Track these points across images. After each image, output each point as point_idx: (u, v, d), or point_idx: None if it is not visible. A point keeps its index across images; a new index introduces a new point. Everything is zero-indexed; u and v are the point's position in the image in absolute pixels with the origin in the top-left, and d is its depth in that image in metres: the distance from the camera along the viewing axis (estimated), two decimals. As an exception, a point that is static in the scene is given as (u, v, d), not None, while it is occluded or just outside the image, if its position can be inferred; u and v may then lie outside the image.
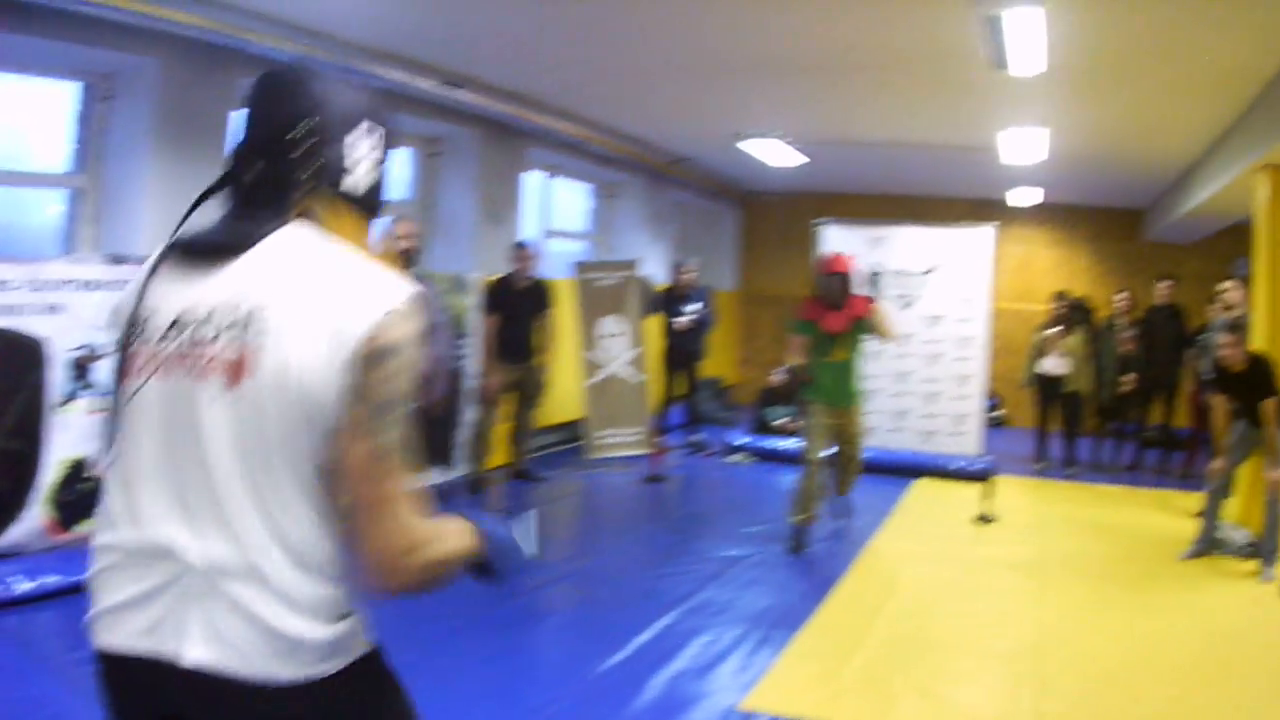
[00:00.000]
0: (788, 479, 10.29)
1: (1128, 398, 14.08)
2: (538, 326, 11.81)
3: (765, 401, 15.97)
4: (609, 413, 13.32)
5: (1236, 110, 10.25)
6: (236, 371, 2.13)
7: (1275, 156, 9.51)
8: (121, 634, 2.21)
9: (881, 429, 13.75)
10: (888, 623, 7.72)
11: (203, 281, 2.26)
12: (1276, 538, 9.06)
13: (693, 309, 14.35)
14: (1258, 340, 10.01)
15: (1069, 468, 14.09)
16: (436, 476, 10.66)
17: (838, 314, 9.57)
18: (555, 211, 15.78)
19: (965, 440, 13.98)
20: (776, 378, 15.79)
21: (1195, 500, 10.28)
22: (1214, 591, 8.81)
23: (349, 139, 2.39)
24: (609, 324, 13.60)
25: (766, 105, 11.87)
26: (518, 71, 10.75)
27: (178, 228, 2.38)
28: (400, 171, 12.22)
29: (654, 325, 14.43)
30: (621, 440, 13.56)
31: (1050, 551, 10.00)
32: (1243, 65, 8.70)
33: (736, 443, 14.47)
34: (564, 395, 13.15)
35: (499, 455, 12.01)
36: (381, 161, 2.50)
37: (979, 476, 11.99)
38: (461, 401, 11.39)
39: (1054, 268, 19.40)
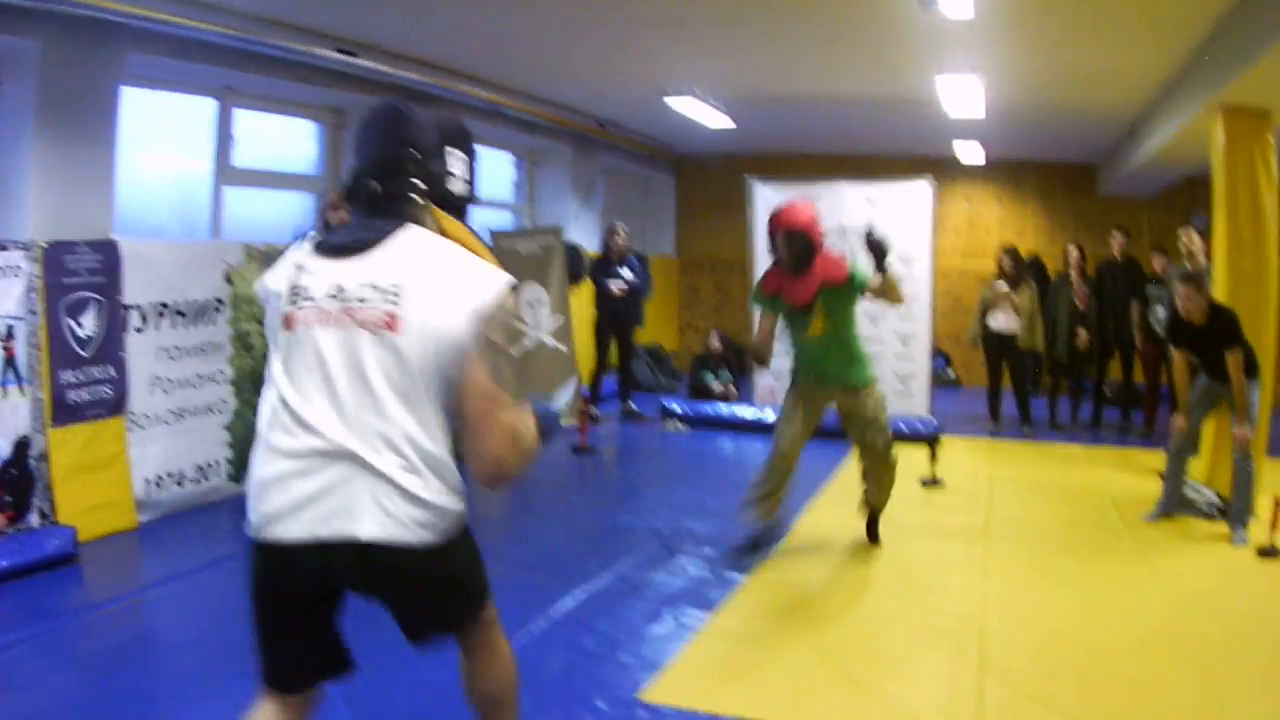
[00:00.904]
0: (724, 445, 9.81)
1: (1083, 354, 13.71)
2: None
3: (700, 366, 15.78)
4: (534, 382, 12.77)
5: (1187, 51, 9.82)
6: (391, 324, 3.17)
7: (1230, 96, 9.05)
8: (298, 526, 3.16)
9: None
10: (815, 600, 7.27)
11: (348, 266, 3.30)
12: (1247, 498, 8.70)
13: (626, 274, 14.06)
14: (1218, 291, 9.58)
15: (1024, 427, 13.71)
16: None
17: (800, 281, 7.66)
18: (478, 180, 15.12)
19: (912, 401, 13.56)
20: (712, 342, 15.66)
21: (1159, 458, 9.83)
22: (1182, 557, 8.31)
23: (441, 161, 3.52)
24: (531, 292, 13.25)
25: (688, 60, 11.52)
26: (419, 36, 10.42)
27: (320, 236, 3.53)
28: (308, 145, 12.18)
29: (585, 292, 14.27)
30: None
31: (1001, 517, 9.52)
32: (1189, 5, 8.34)
33: (671, 410, 14.06)
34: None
35: None
36: (468, 174, 3.66)
37: (926, 438, 11.54)
38: None
39: (1004, 224, 19.20)
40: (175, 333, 8.97)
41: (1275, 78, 8.18)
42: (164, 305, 8.87)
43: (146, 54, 8.91)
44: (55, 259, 7.93)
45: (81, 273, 8.13)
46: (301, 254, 3.44)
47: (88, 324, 8.21)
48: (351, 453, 3.14)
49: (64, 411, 8.01)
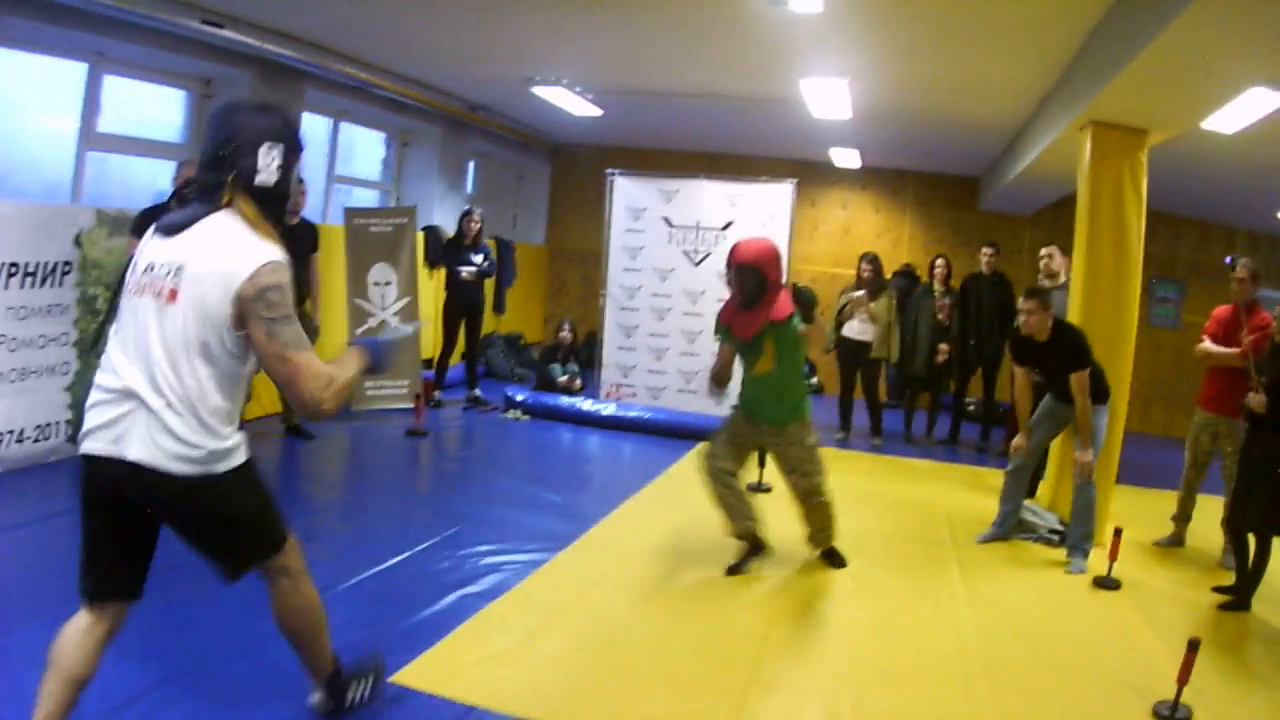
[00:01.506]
0: (561, 437, 9.53)
1: (943, 368, 13.49)
2: (304, 269, 10.94)
3: (549, 358, 15.62)
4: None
5: (1060, 64, 9.60)
6: (172, 297, 3.93)
7: (1098, 112, 8.80)
8: (98, 443, 3.97)
9: (671, 389, 13.56)
10: (596, 600, 6.99)
11: (164, 242, 4.05)
12: (1088, 525, 8.50)
13: (478, 260, 13.77)
14: (1073, 310, 9.44)
15: (873, 439, 13.51)
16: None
17: (748, 315, 7.63)
18: (347, 158, 15.29)
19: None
20: (562, 334, 15.58)
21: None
22: (1006, 581, 8.07)
23: (253, 155, 4.07)
24: (379, 271, 13.22)
25: (552, 47, 11.32)
26: (284, 10, 10.20)
27: (165, 213, 4.34)
28: (172, 114, 11.95)
29: (438, 275, 14.20)
30: (388, 392, 13.29)
31: (823, 527, 9.15)
32: (1061, 12, 8.05)
33: (516, 398, 13.79)
34: (332, 344, 12.28)
35: (266, 406, 11.64)
36: (283, 166, 4.18)
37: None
38: None
39: (879, 233, 18.97)
40: (22, 293, 8.83)
41: (1139, 94, 7.96)
42: (13, 265, 8.72)
43: (17, 16, 8.82)
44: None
45: None
46: (148, 233, 4.22)
47: None
48: (136, 393, 3.92)
49: (-93, 365, 7.81)
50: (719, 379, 7.86)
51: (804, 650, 6.34)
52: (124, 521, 4.10)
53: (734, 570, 7.80)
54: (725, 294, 12.32)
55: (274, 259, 3.98)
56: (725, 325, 7.82)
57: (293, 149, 4.26)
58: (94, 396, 4.05)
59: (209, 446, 3.98)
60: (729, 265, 7.70)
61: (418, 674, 5.51)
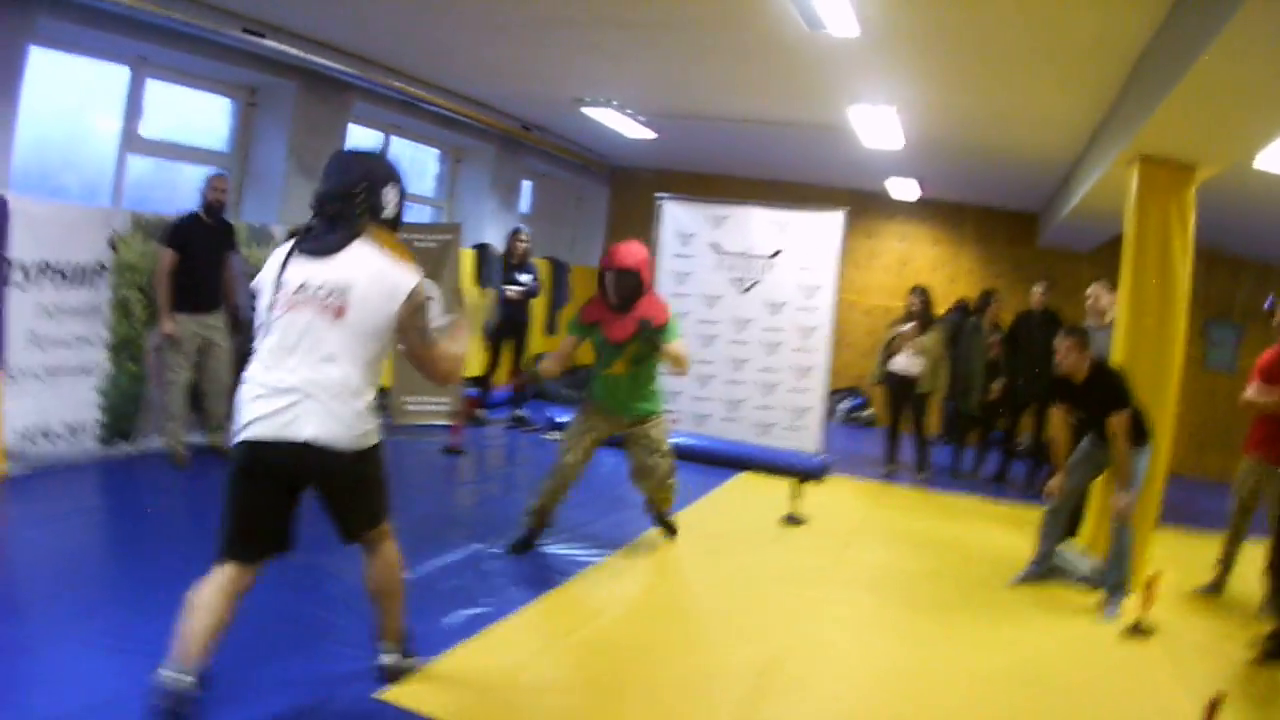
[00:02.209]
0: (606, 460, 9.47)
1: (993, 405, 13.28)
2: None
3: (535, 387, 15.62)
4: (417, 379, 12.33)
5: (1108, 98, 9.45)
6: (340, 312, 4.82)
7: (1144, 146, 8.59)
8: (266, 428, 4.78)
9: (715, 417, 13.37)
10: (605, 627, 6.93)
11: (315, 264, 4.89)
12: (1122, 570, 8.29)
13: (524, 279, 13.79)
14: (1116, 350, 9.22)
15: (919, 473, 13.33)
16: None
17: (621, 319, 8.11)
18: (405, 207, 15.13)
19: (804, 436, 13.18)
20: None
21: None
22: (1036, 624, 7.88)
23: (379, 195, 5.06)
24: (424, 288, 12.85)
25: (601, 67, 11.36)
26: (329, 21, 10.28)
27: (296, 237, 5.07)
28: (218, 122, 12.07)
29: (488, 294, 14.20)
30: (428, 408, 13.28)
31: (853, 562, 9.16)
32: (1107, 43, 7.91)
33: (557, 420, 13.65)
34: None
35: None
36: (400, 202, 5.22)
37: (808, 473, 11.39)
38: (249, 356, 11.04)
39: (936, 267, 18.85)
40: (56, 292, 9.05)
41: (1183, 125, 7.74)
42: (48, 264, 8.92)
43: (58, 18, 8.88)
44: (-56, 210, 8.05)
45: None
46: (283, 253, 5.01)
47: None
48: (303, 389, 4.76)
49: (-61, 358, 8.17)
50: (551, 371, 8.52)
51: (810, 685, 6.24)
52: (279, 494, 4.96)
53: (516, 547, 8.28)
54: (774, 324, 12.25)
55: (418, 281, 5.01)
56: (589, 324, 8.28)
57: (404, 190, 5.31)
58: (254, 391, 4.87)
59: (364, 428, 4.95)
60: (605, 268, 8.21)
61: (406, 692, 5.47)
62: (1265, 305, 8.81)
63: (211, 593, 4.74)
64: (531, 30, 9.77)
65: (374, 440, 5.05)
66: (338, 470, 4.92)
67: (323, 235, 4.97)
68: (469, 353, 5.41)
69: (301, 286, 4.85)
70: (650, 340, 8.03)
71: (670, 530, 9.07)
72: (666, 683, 6.05)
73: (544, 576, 7.75)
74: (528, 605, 7.07)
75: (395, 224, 5.23)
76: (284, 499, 4.98)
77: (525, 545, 8.30)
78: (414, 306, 4.94)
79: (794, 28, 8.12)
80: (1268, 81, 6.43)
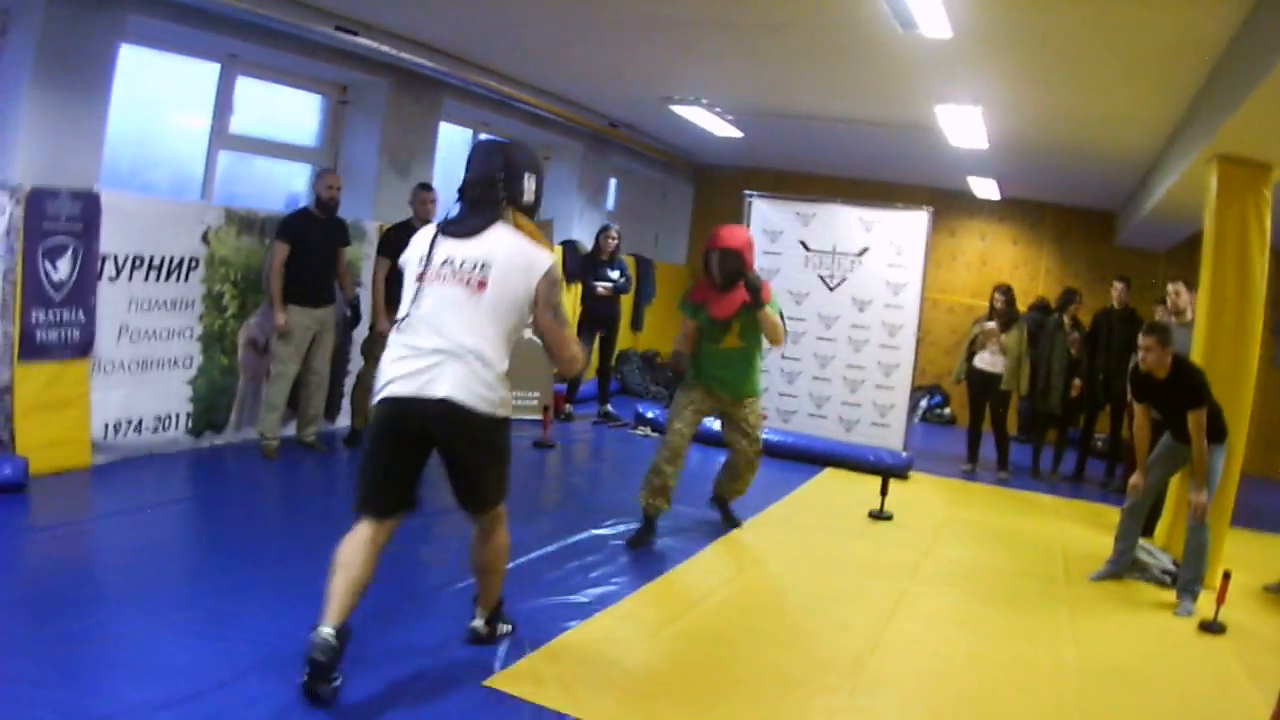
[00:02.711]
0: (693, 456, 9.75)
1: (1073, 403, 13.34)
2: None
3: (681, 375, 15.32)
4: (510, 373, 12.49)
5: (1188, 97, 9.49)
6: (481, 286, 5.16)
7: (1224, 145, 8.67)
8: (408, 386, 5.14)
9: (801, 413, 13.46)
10: (705, 617, 7.04)
11: (459, 243, 5.27)
12: (1198, 567, 8.34)
13: (613, 276, 13.95)
14: (1196, 347, 9.28)
15: (1000, 472, 13.39)
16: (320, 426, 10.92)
17: (725, 297, 8.54)
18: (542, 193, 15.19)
19: (889, 433, 13.28)
20: None
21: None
22: (1115, 621, 7.97)
23: (519, 182, 5.42)
24: None
25: (691, 67, 11.43)
26: (421, 19, 10.34)
27: (443, 219, 5.51)
28: (308, 119, 12.30)
29: (574, 291, 14.29)
30: (519, 403, 13.08)
31: (937, 557, 9.24)
32: (1187, 44, 7.94)
33: (646, 415, 13.92)
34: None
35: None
36: (538, 189, 5.58)
37: (892, 471, 11.40)
38: (350, 351, 11.39)
39: (1016, 266, 18.90)
40: (148, 286, 9.19)
41: (1262, 126, 7.79)
42: (139, 258, 9.05)
43: (149, 16, 9.01)
44: (38, 204, 8.13)
45: (61, 219, 8.30)
46: (429, 233, 5.45)
47: (63, 268, 8.39)
48: (446, 351, 5.12)
49: (31, 349, 8.24)
50: (682, 353, 8.93)
51: (900, 677, 6.34)
52: (413, 451, 5.33)
53: (635, 542, 8.52)
54: (861, 321, 12.37)
55: (554, 261, 5.37)
56: (697, 303, 8.73)
57: (542, 178, 5.67)
58: (398, 353, 5.24)
59: (500, 394, 5.26)
60: (710, 248, 8.61)
61: (514, 679, 5.60)
62: None
63: (352, 549, 5.17)
64: (626, 30, 9.87)
65: (505, 413, 5.36)
66: (469, 432, 5.26)
67: (466, 218, 5.40)
68: (582, 354, 5.68)
69: (446, 261, 5.26)
70: (751, 311, 8.49)
71: (732, 522, 9.38)
72: (766, 673, 6.15)
73: (641, 567, 7.90)
74: (627, 596, 7.21)
75: (534, 209, 5.60)
76: (416, 458, 5.38)
77: (647, 535, 8.62)
78: (550, 282, 5.30)
79: (887, 28, 8.21)
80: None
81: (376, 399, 5.32)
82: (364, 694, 5.16)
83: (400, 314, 5.36)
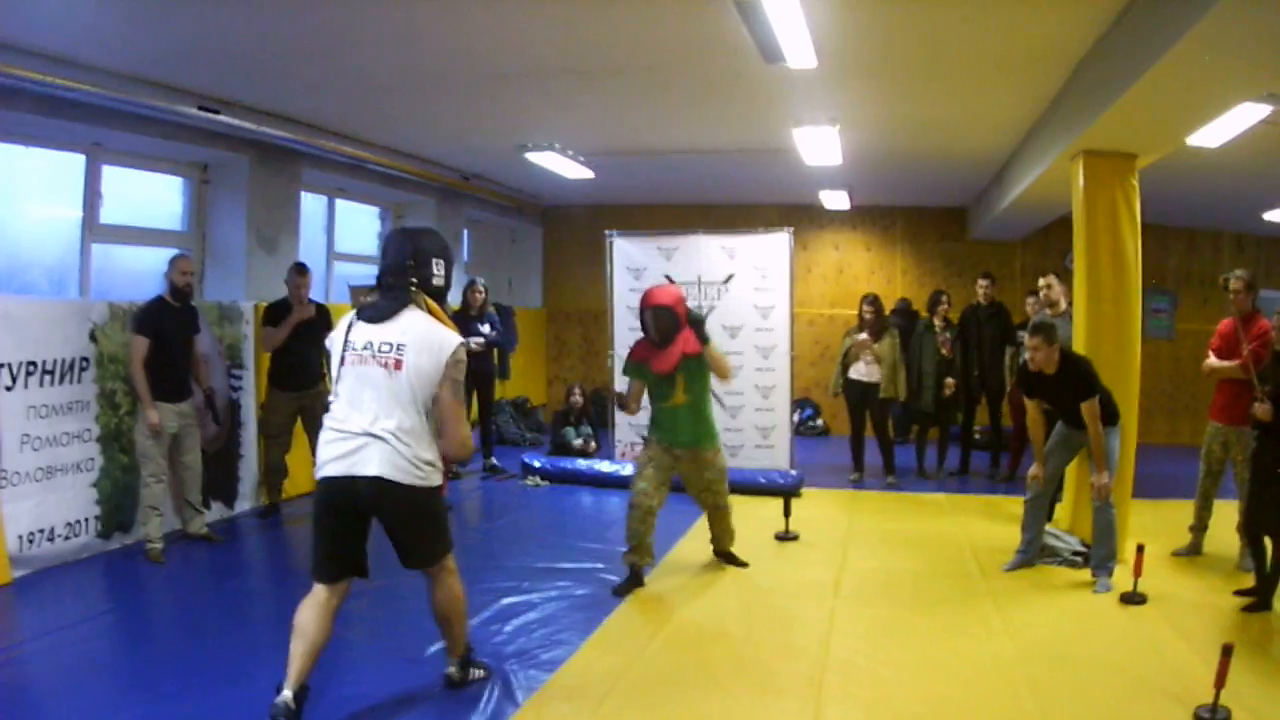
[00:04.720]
0: (583, 500, 9.71)
1: (950, 401, 13.58)
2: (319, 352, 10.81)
3: (562, 422, 15.50)
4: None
5: (1046, 98, 9.79)
6: (397, 366, 5.56)
7: (1089, 142, 9.01)
8: (339, 467, 5.57)
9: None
10: (654, 657, 7.09)
11: (375, 328, 5.67)
12: (1110, 544, 8.62)
13: (485, 330, 13.90)
14: (1077, 336, 9.57)
15: (887, 478, 13.55)
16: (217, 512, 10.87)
17: (664, 353, 8.68)
18: (342, 235, 15.30)
19: (774, 453, 13.46)
20: (573, 398, 15.50)
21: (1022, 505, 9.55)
22: (1039, 606, 8.21)
23: (428, 267, 5.85)
24: None
25: (546, 115, 11.52)
26: (280, 93, 10.40)
27: (358, 308, 5.86)
28: (170, 202, 12.08)
29: None
30: None
31: (854, 570, 9.37)
32: (1052, 50, 8.24)
33: (534, 464, 13.86)
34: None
35: (301, 485, 11.57)
36: (446, 274, 5.98)
37: (785, 491, 11.46)
38: (240, 434, 11.24)
39: (873, 271, 19.20)
40: (43, 391, 9.00)
41: (1130, 122, 8.12)
42: (33, 364, 8.88)
43: (13, 110, 8.94)
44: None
45: None
46: (346, 320, 5.85)
47: None
48: (371, 433, 5.55)
49: (-63, 470, 8.07)
50: (629, 406, 9.05)
51: (858, 692, 6.46)
52: (352, 522, 5.75)
53: (621, 591, 8.59)
54: (733, 348, 12.51)
55: (460, 342, 5.72)
56: (637, 363, 8.94)
57: (451, 262, 6.10)
58: (328, 436, 5.69)
59: (424, 463, 5.64)
60: (643, 308, 8.86)
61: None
62: (1065, 263, 9.15)
63: (307, 615, 5.67)
64: (482, 84, 9.92)
65: (435, 481, 5.77)
66: (399, 503, 5.67)
67: (380, 304, 5.79)
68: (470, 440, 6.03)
69: (367, 345, 5.66)
70: (698, 367, 8.76)
71: (737, 563, 9.44)
72: (732, 706, 6.26)
73: (580, 619, 7.86)
74: (576, 650, 7.21)
75: (443, 292, 6.00)
76: (356, 528, 5.80)
77: (633, 585, 8.70)
78: (455, 361, 5.64)
79: (751, 62, 8.38)
80: (1221, 72, 6.81)
81: (317, 476, 5.78)
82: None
83: (331, 396, 5.85)
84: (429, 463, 5.69)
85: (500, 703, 6.21)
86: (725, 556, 9.47)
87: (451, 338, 5.71)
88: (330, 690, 6.17)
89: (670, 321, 8.66)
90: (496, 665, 6.80)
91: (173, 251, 10.97)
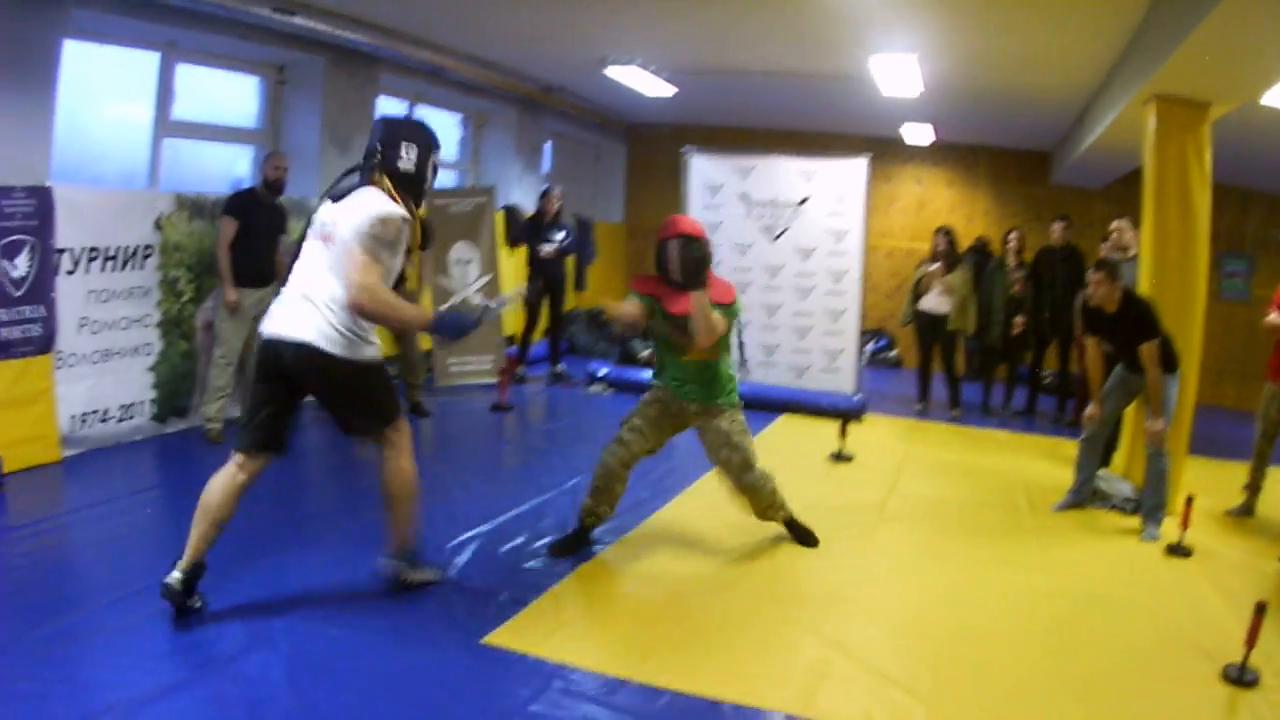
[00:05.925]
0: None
1: (1018, 340, 13.53)
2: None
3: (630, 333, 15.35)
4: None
5: (1124, 38, 9.64)
6: (330, 238, 5.67)
7: (1161, 85, 8.83)
8: (270, 327, 5.75)
9: (752, 362, 13.43)
10: (676, 569, 7.18)
11: (330, 206, 5.78)
12: (1160, 494, 8.59)
13: (558, 237, 13.97)
14: (1143, 282, 9.48)
15: (952, 411, 13.58)
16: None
17: (680, 295, 6.96)
18: (429, 162, 15.08)
19: (839, 377, 13.56)
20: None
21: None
22: (1082, 547, 8.23)
23: (396, 150, 5.89)
24: (460, 250, 13.55)
25: (628, 27, 11.39)
26: None
27: (333, 183, 5.99)
28: (245, 101, 12.21)
29: (519, 253, 14.32)
30: (472, 368, 13.60)
31: (902, 495, 9.47)
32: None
33: (598, 373, 14.10)
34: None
35: None
36: (420, 160, 5.97)
37: (847, 414, 11.60)
38: None
39: (954, 208, 19.03)
40: (105, 276, 9.23)
41: (1199, 66, 7.96)
42: (95, 250, 9.09)
43: (90, 9, 8.98)
44: (-7, 201, 8.14)
45: (16, 216, 8.31)
46: (321, 197, 6.03)
47: (20, 265, 8.38)
48: (304, 297, 5.66)
49: (-7, 347, 8.26)
50: (629, 327, 7.28)
51: (881, 611, 6.55)
52: (278, 390, 5.80)
53: (557, 547, 7.33)
54: (806, 270, 12.46)
55: (387, 213, 5.59)
56: (645, 295, 7.19)
57: (429, 150, 6.04)
58: (280, 298, 5.82)
59: (349, 334, 5.64)
60: (665, 238, 7.07)
61: (511, 635, 5.82)
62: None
63: (214, 486, 5.75)
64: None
65: (367, 354, 5.77)
66: (325, 371, 5.69)
67: (341, 185, 5.92)
68: (390, 312, 5.77)
69: (320, 224, 5.81)
70: (726, 313, 6.98)
71: (807, 539, 7.86)
72: (751, 611, 6.38)
73: (621, 517, 7.87)
74: (608, 547, 7.42)
75: (415, 178, 5.98)
76: (283, 399, 5.86)
77: (575, 544, 7.35)
78: (374, 220, 5.56)
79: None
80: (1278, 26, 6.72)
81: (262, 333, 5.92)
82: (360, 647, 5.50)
83: None
84: (356, 333, 5.67)
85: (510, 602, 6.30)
86: (792, 530, 7.89)
87: (377, 205, 5.64)
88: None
89: (697, 258, 6.86)
90: (524, 558, 7.08)
91: (246, 149, 11.18)
